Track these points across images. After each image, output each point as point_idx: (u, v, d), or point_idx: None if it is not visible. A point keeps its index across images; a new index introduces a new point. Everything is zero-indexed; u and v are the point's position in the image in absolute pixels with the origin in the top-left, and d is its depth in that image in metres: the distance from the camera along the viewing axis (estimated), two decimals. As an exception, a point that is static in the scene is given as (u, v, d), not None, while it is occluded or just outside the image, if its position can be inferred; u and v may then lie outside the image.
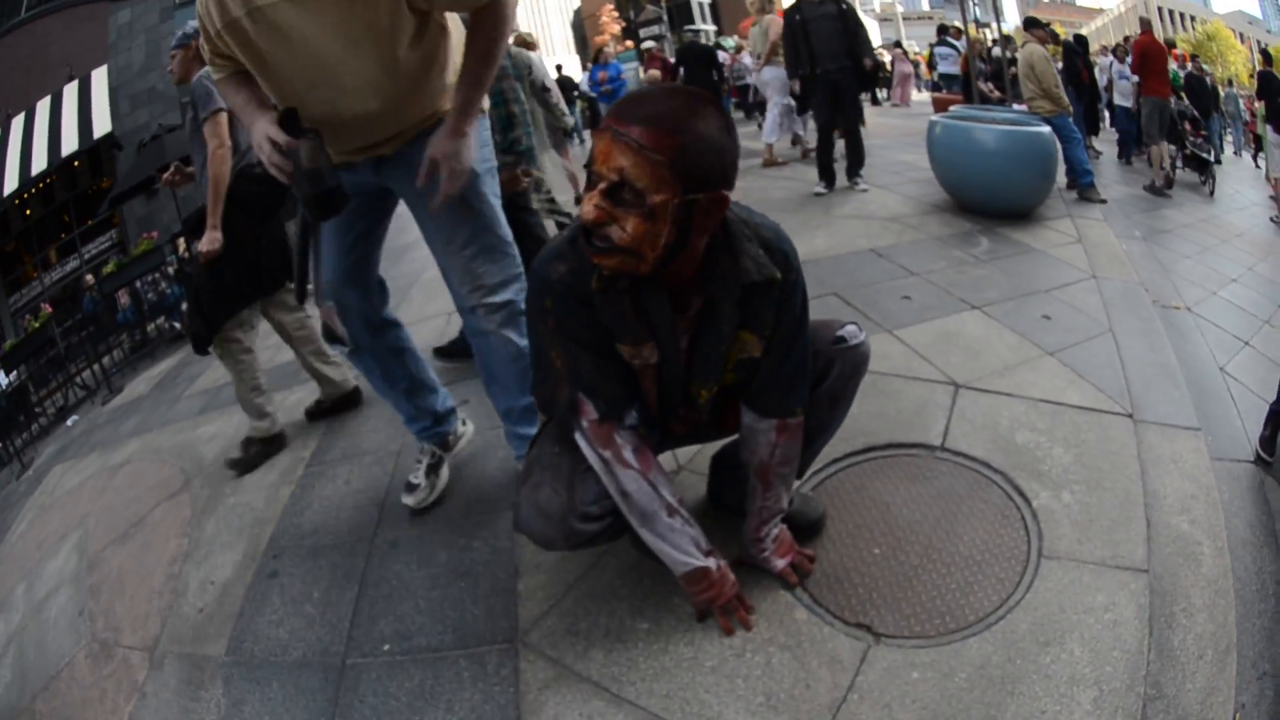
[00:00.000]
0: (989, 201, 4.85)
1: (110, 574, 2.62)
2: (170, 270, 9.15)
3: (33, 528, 3.69)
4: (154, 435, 3.86)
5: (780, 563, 1.72)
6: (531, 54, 4.91)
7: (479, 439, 2.56)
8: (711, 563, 1.57)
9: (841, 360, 1.60)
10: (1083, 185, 5.67)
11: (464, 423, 2.44)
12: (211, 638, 2.03)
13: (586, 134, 12.43)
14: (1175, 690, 1.50)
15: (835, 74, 5.48)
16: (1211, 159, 7.35)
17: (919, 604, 1.65)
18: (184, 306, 7.11)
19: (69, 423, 6.11)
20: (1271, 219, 7.08)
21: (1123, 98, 8.44)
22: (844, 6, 5.41)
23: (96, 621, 2.40)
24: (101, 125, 12.70)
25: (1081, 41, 9.05)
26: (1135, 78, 7.84)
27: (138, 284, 9.00)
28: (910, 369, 2.69)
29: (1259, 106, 8.25)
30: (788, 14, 5.57)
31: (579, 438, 1.46)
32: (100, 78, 12.97)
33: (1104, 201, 5.55)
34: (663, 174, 1.19)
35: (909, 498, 1.98)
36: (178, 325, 7.63)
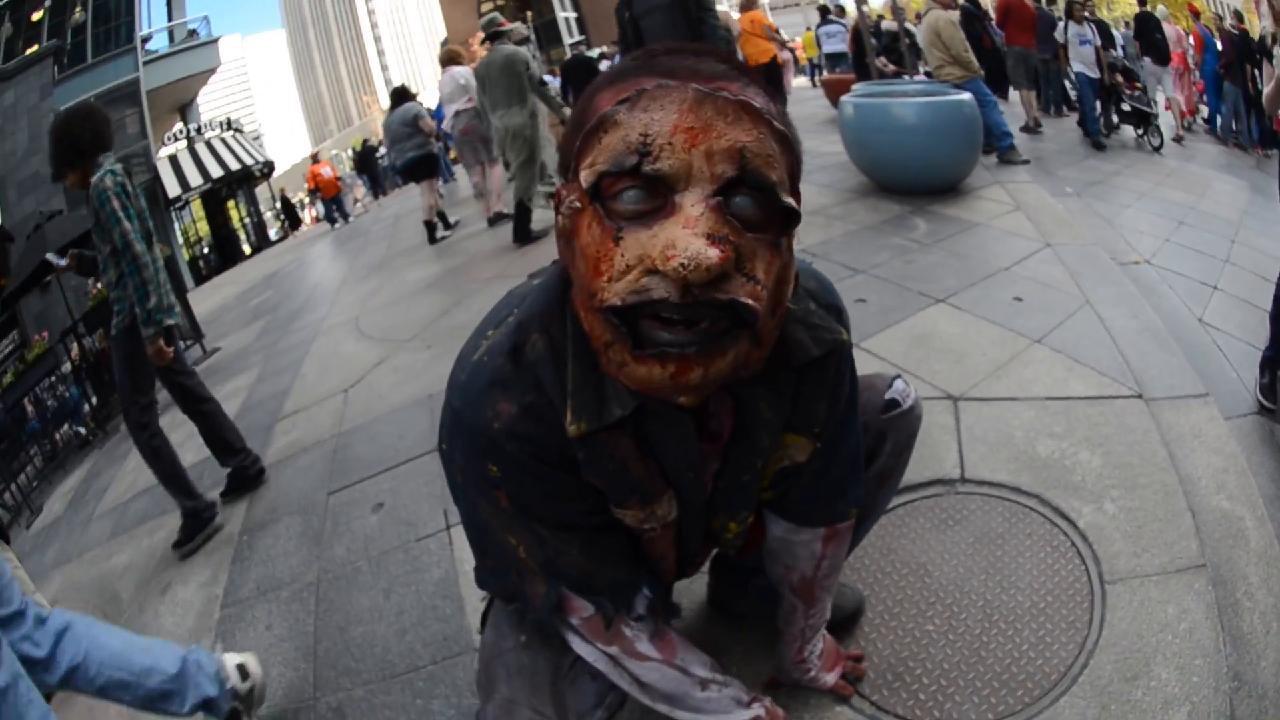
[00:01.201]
0: (914, 179, 5.27)
1: None
2: (65, 369, 9.65)
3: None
4: (73, 567, 3.96)
5: (830, 678, 1.70)
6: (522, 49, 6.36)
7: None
8: (759, 710, 1.49)
9: (895, 432, 1.50)
10: (1003, 149, 6.27)
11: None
12: None
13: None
14: (1253, 674, 1.69)
15: None
16: (1152, 111, 7.80)
17: (995, 677, 1.73)
18: (86, 409, 7.93)
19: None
20: (1175, 139, 7.71)
21: (1083, 64, 9.02)
22: None
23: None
24: (-12, 219, 13.47)
25: (977, 5, 9.66)
26: (1096, 40, 8.38)
27: (37, 391, 9.52)
28: None
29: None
30: (617, 10, 5.46)
31: (568, 636, 1.27)
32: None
33: (1026, 162, 6.21)
34: (793, 161, 0.91)
35: (945, 551, 2.09)
36: (83, 431, 8.16)
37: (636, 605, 1.22)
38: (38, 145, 13.75)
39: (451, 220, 8.53)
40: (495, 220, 7.67)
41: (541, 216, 6.61)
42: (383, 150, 13.94)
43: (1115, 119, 8.41)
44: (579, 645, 1.26)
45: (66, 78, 16.79)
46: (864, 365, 2.95)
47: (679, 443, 1.07)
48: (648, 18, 4.67)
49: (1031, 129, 8.66)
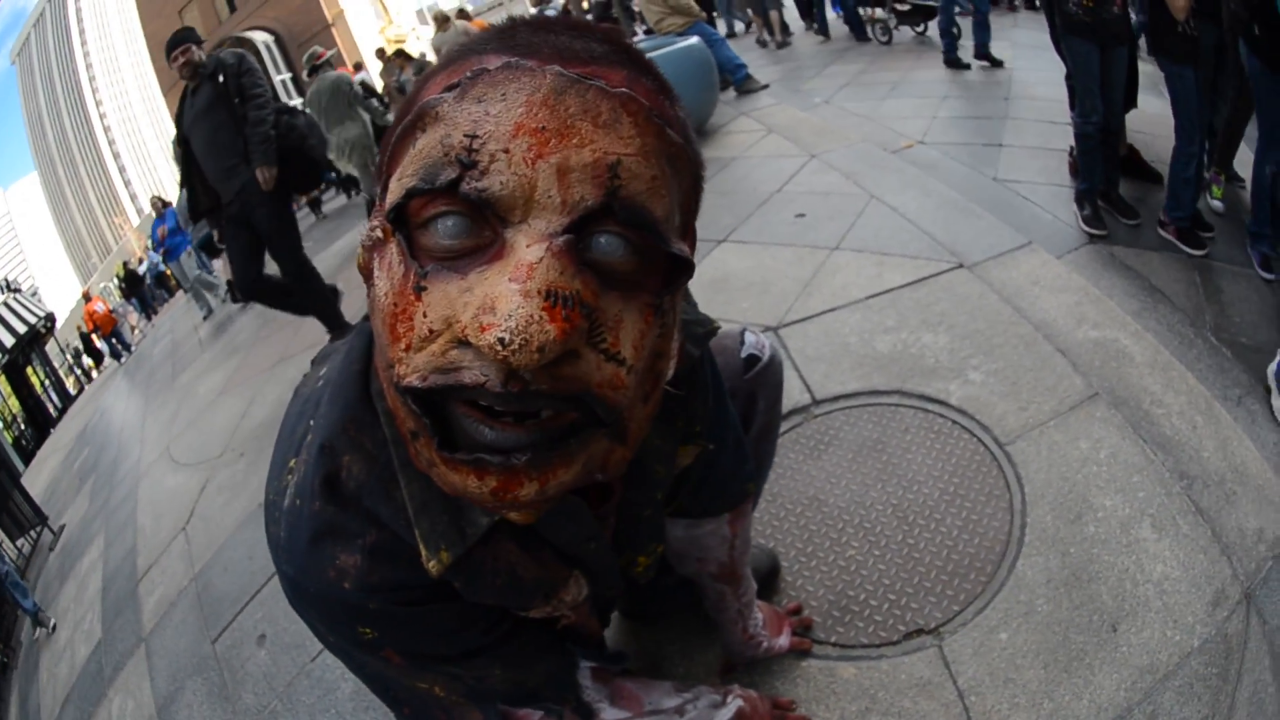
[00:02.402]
0: None
1: None
2: None
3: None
4: None
5: (784, 641, 1.76)
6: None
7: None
8: (738, 702, 1.47)
9: (764, 387, 1.51)
10: (738, 80, 6.79)
11: None
12: None
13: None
14: (1198, 467, 1.87)
15: None
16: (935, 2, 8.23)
17: (939, 571, 1.79)
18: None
19: None
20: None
21: None
22: None
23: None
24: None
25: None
26: None
27: None
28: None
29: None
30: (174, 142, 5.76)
31: None
32: None
33: (766, 86, 6.72)
34: (690, 189, 0.73)
35: (830, 475, 2.14)
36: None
37: (581, 681, 1.15)
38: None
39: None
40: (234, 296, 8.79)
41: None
42: (143, 268, 13.66)
43: (894, 22, 8.85)
44: None
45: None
46: None
47: (570, 522, 0.95)
48: (194, 131, 4.44)
49: (764, 44, 9.84)
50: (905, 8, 8.43)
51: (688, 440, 1.14)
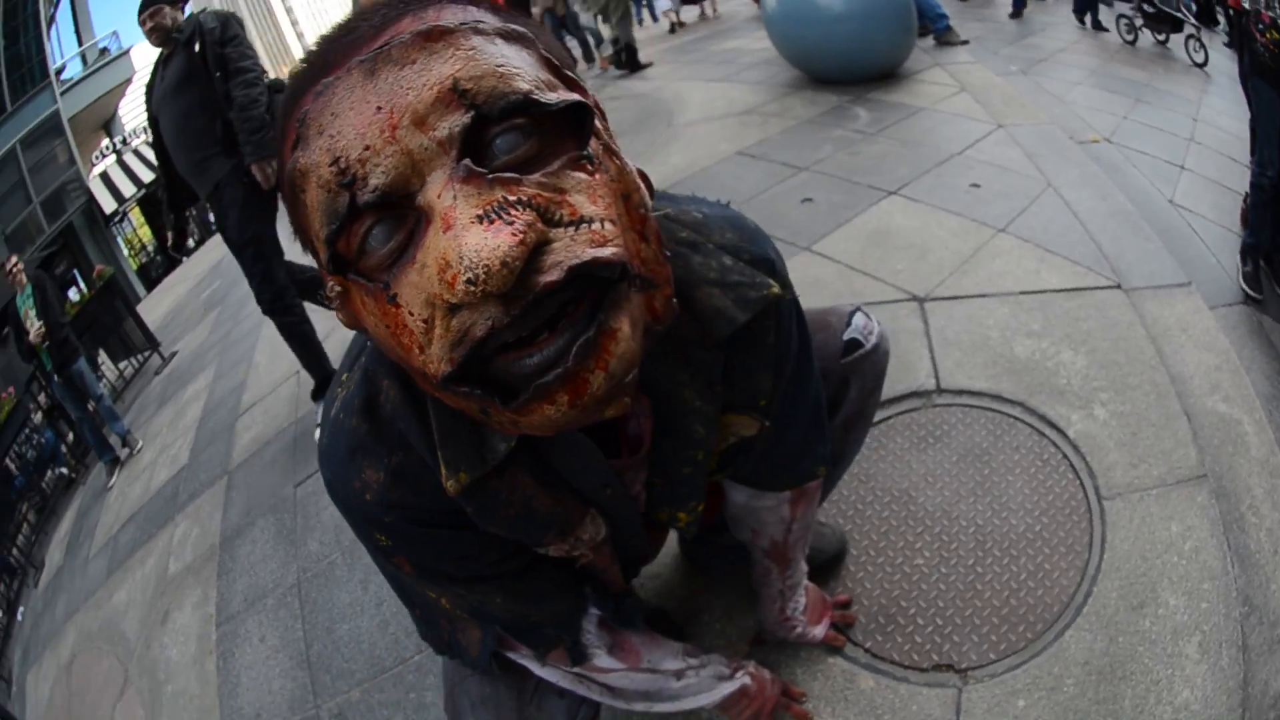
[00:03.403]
0: (848, 69, 5.35)
1: None
2: (37, 418, 9.76)
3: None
4: (82, 616, 4.10)
5: (819, 631, 1.68)
6: None
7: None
8: (744, 679, 1.47)
9: (860, 376, 1.40)
10: (939, 30, 6.28)
11: None
12: None
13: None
14: (1263, 598, 1.69)
15: None
16: (1185, 17, 7.36)
17: (994, 612, 1.70)
18: (64, 448, 8.24)
19: (19, 617, 6.54)
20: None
21: None
22: None
23: None
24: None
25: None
26: None
27: (15, 447, 9.61)
28: (857, 291, 2.79)
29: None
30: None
31: (525, 663, 1.22)
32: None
33: (966, 42, 6.19)
34: (545, 50, 0.71)
35: (929, 473, 2.02)
36: (66, 470, 8.33)
37: (585, 626, 1.15)
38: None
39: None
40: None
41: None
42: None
43: (1140, 23, 7.63)
44: (538, 670, 1.21)
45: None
46: (819, 269, 3.00)
47: (585, 464, 0.94)
48: (163, 111, 3.49)
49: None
50: (1150, 9, 7.67)
51: (745, 410, 1.05)
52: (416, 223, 0.61)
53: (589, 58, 9.22)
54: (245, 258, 3.42)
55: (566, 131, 0.65)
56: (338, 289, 0.69)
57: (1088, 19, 8.00)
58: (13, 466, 9.78)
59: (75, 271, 20.62)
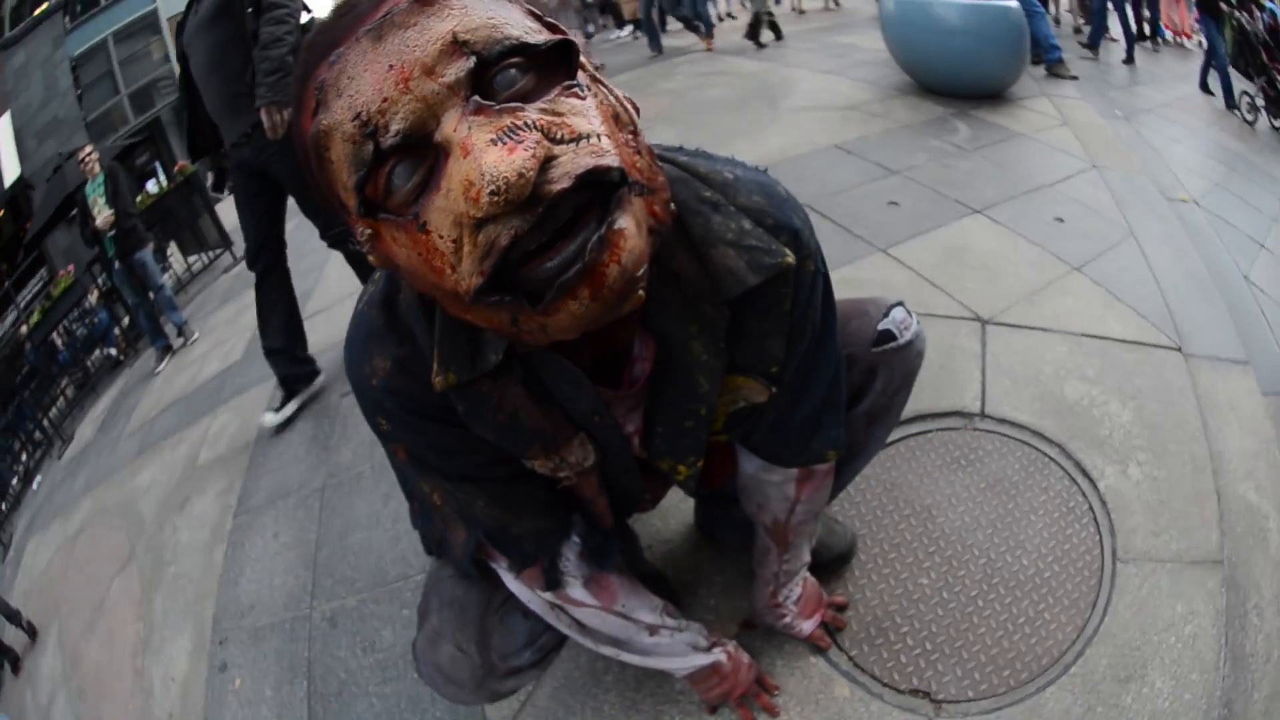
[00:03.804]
0: (956, 82, 5.31)
1: (89, 673, 2.96)
2: (93, 299, 9.94)
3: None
4: (101, 490, 4.23)
5: (808, 626, 1.65)
6: None
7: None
8: (719, 655, 1.48)
9: (887, 369, 1.35)
10: (1051, 61, 6.14)
11: None
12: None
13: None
14: (1244, 705, 1.62)
15: None
16: None
17: (984, 650, 1.66)
18: (116, 331, 8.35)
19: (34, 486, 6.76)
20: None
21: None
22: None
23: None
24: (11, 171, 14.13)
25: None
26: None
27: (65, 323, 9.81)
28: (923, 302, 2.71)
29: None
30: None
31: (501, 573, 1.24)
32: (3, 125, 14.41)
33: (1075, 78, 6.03)
34: (525, 8, 0.78)
35: (954, 494, 1.97)
36: (114, 352, 8.53)
37: (565, 553, 1.17)
38: (53, 94, 14.87)
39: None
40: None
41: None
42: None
43: (1260, 102, 7.02)
44: (512, 584, 1.23)
45: (79, 24, 17.52)
46: (891, 273, 2.94)
47: (573, 388, 0.97)
48: (193, 46, 3.21)
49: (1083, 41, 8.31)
50: (1274, 93, 7.29)
51: (754, 373, 1.07)
52: (436, 158, 0.67)
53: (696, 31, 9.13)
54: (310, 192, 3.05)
55: (557, 66, 0.71)
56: (368, 232, 0.74)
57: (1215, 85, 7.55)
58: (59, 342, 10.06)
59: (157, 164, 21.49)
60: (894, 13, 5.62)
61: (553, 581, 1.19)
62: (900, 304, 1.36)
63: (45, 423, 8.23)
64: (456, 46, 0.67)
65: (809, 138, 4.79)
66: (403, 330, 0.94)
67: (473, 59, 0.67)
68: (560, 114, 0.68)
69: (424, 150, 0.67)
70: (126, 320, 8.52)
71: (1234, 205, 4.53)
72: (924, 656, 1.64)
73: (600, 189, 0.68)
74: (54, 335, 10.13)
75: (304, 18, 3.09)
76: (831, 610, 1.70)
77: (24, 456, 8.36)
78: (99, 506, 4.06)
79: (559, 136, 0.67)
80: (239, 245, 8.47)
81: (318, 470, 2.96)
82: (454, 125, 0.66)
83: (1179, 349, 2.49)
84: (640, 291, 0.73)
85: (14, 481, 7.96)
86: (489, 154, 0.63)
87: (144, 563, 3.16)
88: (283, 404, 3.25)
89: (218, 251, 8.82)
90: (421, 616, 1.35)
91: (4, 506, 7.50)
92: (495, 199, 0.62)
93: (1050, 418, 2.18)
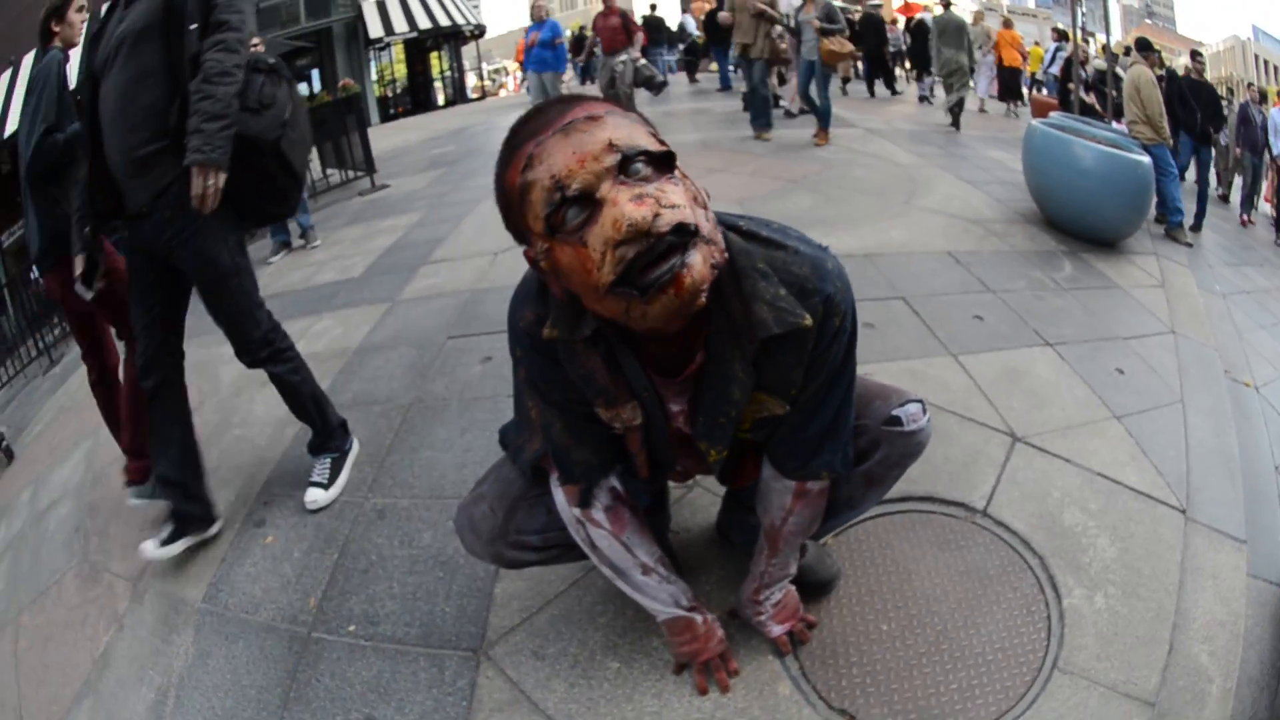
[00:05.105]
0: (1077, 221, 5.35)
1: (110, 493, 2.99)
2: None
3: (49, 430, 4.27)
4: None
5: (777, 629, 1.89)
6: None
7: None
8: (697, 616, 1.77)
9: (890, 445, 1.61)
10: (1171, 223, 6.31)
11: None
12: (191, 580, 2.41)
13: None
14: None
15: None
16: None
17: (913, 700, 1.83)
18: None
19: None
20: None
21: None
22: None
23: (90, 541, 2.80)
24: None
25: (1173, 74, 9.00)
26: None
27: None
28: (969, 408, 2.87)
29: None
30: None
31: (551, 482, 1.63)
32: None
33: (1190, 245, 6.15)
34: (646, 123, 1.21)
35: (935, 569, 2.16)
36: None
37: (602, 483, 1.57)
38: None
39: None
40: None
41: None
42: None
43: None
44: (556, 491, 1.62)
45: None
46: (951, 376, 3.17)
47: (633, 371, 1.38)
48: (105, 75, 2.23)
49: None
50: None
51: (776, 393, 1.41)
52: (594, 208, 1.07)
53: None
54: (214, 291, 2.50)
55: (664, 164, 1.12)
56: (545, 246, 1.13)
57: None
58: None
59: (315, 72, 21.30)
60: (1037, 142, 5.73)
61: (585, 500, 1.57)
62: (919, 401, 1.64)
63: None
64: (611, 147, 1.07)
65: (928, 239, 4.99)
66: (544, 296, 1.33)
67: (619, 155, 1.07)
68: (665, 190, 1.09)
69: (588, 202, 1.07)
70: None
71: (1291, 399, 4.47)
72: (861, 686, 1.84)
73: (683, 235, 1.07)
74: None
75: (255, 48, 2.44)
76: (801, 624, 1.93)
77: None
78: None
79: (664, 203, 1.07)
80: (381, 175, 8.58)
81: (408, 391, 3.17)
82: (608, 188, 1.07)
83: (1183, 511, 2.59)
84: (702, 299, 1.11)
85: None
86: (628, 206, 1.04)
87: (210, 419, 3.17)
88: (170, 539, 2.43)
89: (358, 174, 8.80)
90: (477, 484, 1.78)
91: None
92: (632, 230, 1.04)
93: (1042, 533, 2.34)
